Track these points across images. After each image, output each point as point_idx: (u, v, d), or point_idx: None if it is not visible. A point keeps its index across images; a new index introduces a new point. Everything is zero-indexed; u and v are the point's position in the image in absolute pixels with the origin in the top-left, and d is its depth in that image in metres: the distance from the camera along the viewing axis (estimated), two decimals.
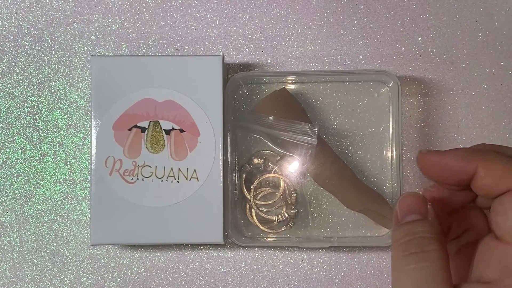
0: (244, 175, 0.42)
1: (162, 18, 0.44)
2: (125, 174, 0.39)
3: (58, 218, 0.43)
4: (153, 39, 0.44)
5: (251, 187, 0.41)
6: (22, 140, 0.43)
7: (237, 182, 0.42)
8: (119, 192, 0.39)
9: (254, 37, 0.44)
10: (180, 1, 0.44)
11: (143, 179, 0.39)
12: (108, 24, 0.44)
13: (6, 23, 0.44)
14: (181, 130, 0.39)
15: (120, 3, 0.44)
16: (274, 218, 0.42)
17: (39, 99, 0.43)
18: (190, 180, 0.39)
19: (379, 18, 0.44)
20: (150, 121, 0.39)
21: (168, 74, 0.39)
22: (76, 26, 0.44)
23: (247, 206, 0.42)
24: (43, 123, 0.43)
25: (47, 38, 0.44)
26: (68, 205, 0.43)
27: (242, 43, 0.44)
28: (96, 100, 0.39)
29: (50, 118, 0.43)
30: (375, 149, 0.43)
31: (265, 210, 0.42)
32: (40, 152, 0.43)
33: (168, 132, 0.39)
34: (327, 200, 0.43)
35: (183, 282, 0.43)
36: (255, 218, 0.42)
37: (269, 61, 0.43)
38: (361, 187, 0.42)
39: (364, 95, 0.43)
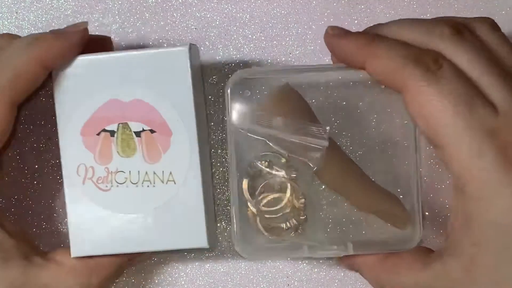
0: (247, 180, 0.40)
1: (162, 18, 0.44)
2: (99, 182, 0.37)
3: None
4: (153, 38, 0.44)
5: (255, 192, 0.39)
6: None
7: (239, 187, 0.39)
8: (94, 200, 0.37)
9: (254, 36, 0.44)
10: (180, 0, 0.44)
11: (117, 186, 0.37)
12: (108, 24, 0.44)
13: (6, 22, 0.44)
14: (152, 131, 0.37)
15: (120, 2, 0.44)
16: (282, 225, 0.39)
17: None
18: (166, 183, 0.37)
19: (379, 18, 0.44)
20: (119, 124, 0.37)
21: (132, 71, 0.36)
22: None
23: (252, 213, 0.40)
24: None
25: None
26: None
27: (242, 43, 0.44)
28: (60, 105, 0.37)
29: None
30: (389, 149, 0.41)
31: (271, 216, 0.39)
32: None
33: (138, 134, 0.37)
34: (338, 203, 0.40)
35: (183, 282, 0.43)
36: (260, 226, 0.39)
37: (269, 60, 0.43)
38: (372, 186, 0.40)
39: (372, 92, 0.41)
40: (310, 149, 0.39)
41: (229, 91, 0.39)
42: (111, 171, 0.37)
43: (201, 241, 0.37)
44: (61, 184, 0.37)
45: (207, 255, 0.43)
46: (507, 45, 0.34)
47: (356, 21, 0.44)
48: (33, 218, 0.43)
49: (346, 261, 0.39)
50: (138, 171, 0.37)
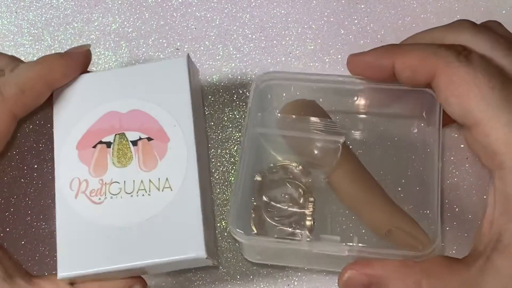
0: (257, 184, 0.39)
1: (162, 17, 0.44)
2: (92, 195, 0.36)
3: None
4: (153, 38, 0.44)
5: (265, 196, 0.38)
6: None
7: (250, 191, 0.38)
8: (86, 215, 0.35)
9: (254, 36, 0.44)
10: (180, 0, 0.44)
11: (111, 197, 0.35)
12: (108, 24, 0.44)
13: (6, 22, 0.44)
14: (149, 139, 0.36)
15: (120, 2, 0.44)
16: (288, 229, 0.38)
17: None
18: (162, 190, 0.35)
19: (379, 18, 0.44)
20: (116, 134, 0.36)
21: (130, 85, 0.37)
22: (76, 25, 0.44)
23: (261, 217, 0.38)
24: None
25: (47, 37, 0.44)
26: None
27: (242, 43, 0.44)
28: (58, 122, 0.37)
29: None
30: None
31: (280, 221, 0.38)
32: None
33: (135, 142, 0.36)
34: (349, 213, 0.39)
35: (183, 282, 0.42)
36: (267, 231, 0.38)
37: (269, 60, 0.43)
38: (389, 201, 0.38)
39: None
40: (325, 150, 0.38)
41: (253, 94, 0.38)
42: (105, 183, 0.36)
43: (199, 251, 0.34)
44: None
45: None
46: None
47: (356, 21, 0.44)
48: (32, 218, 0.43)
49: (362, 280, 0.34)
50: (133, 180, 0.35)
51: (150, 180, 0.35)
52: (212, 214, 0.42)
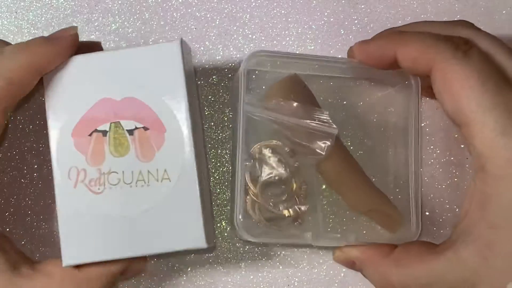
0: (249, 167, 0.39)
1: (162, 18, 0.44)
2: (91, 185, 0.36)
3: None
4: (153, 38, 0.43)
5: (257, 179, 0.39)
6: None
7: (242, 175, 0.38)
8: (87, 204, 0.36)
9: (254, 36, 0.44)
10: (180, 0, 0.44)
11: (110, 187, 0.36)
12: (108, 24, 0.44)
13: (6, 22, 0.44)
14: (145, 128, 0.36)
15: (120, 2, 0.44)
16: (285, 213, 0.39)
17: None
18: (161, 181, 0.35)
19: (380, 18, 0.44)
20: (111, 123, 0.36)
21: (123, 69, 0.36)
22: (76, 25, 0.44)
23: (253, 201, 0.39)
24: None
25: None
26: None
27: (242, 43, 0.44)
28: (51, 107, 0.36)
29: None
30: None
31: (272, 205, 0.39)
32: None
33: (131, 132, 0.36)
34: (338, 196, 0.41)
35: (183, 282, 0.42)
36: (258, 213, 0.39)
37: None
38: (368, 185, 0.40)
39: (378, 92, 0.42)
40: (317, 137, 0.38)
41: (245, 70, 0.37)
42: (104, 172, 0.36)
43: (199, 241, 0.35)
44: None
45: (207, 255, 0.42)
46: None
47: (356, 21, 0.44)
48: (33, 218, 0.43)
49: (347, 259, 0.38)
50: (132, 171, 0.36)
51: (148, 171, 0.36)
52: (210, 198, 0.42)
